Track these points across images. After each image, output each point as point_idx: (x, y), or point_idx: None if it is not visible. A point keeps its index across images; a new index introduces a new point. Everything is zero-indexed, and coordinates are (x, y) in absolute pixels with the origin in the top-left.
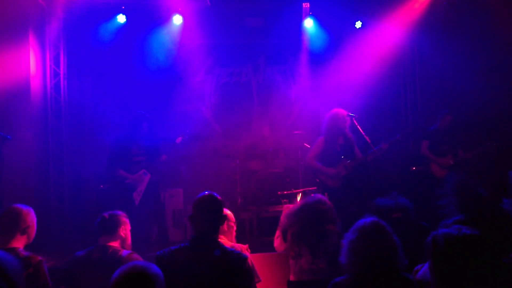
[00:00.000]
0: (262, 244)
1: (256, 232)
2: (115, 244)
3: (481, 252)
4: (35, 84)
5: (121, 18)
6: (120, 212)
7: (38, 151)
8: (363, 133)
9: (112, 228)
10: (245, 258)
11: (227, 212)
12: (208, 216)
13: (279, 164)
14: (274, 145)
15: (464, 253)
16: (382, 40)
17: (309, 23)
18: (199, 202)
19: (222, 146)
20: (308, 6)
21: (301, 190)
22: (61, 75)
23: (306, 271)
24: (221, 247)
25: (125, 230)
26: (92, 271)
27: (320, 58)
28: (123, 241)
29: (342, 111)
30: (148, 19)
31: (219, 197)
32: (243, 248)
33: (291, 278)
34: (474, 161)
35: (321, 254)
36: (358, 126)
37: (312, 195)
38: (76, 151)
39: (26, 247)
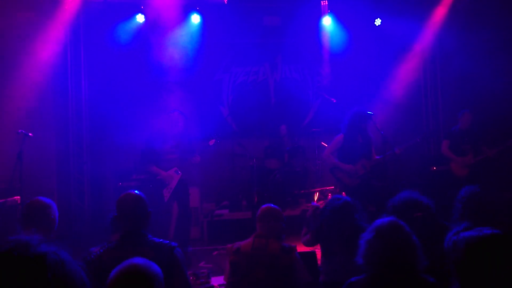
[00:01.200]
0: None
1: None
2: None
3: (506, 251)
4: (57, 84)
5: (140, 18)
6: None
7: (59, 149)
8: (381, 133)
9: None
10: (173, 247)
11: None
12: (131, 214)
13: (296, 163)
14: (291, 144)
15: (488, 254)
16: (402, 38)
17: (327, 21)
18: (122, 202)
19: (239, 145)
20: (327, 3)
21: (318, 189)
22: (82, 75)
23: (340, 271)
24: (149, 240)
25: None
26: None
27: (338, 56)
28: None
29: (365, 111)
30: (166, 18)
31: (141, 195)
32: (292, 248)
33: (322, 278)
34: (496, 160)
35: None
36: (376, 125)
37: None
38: (96, 149)
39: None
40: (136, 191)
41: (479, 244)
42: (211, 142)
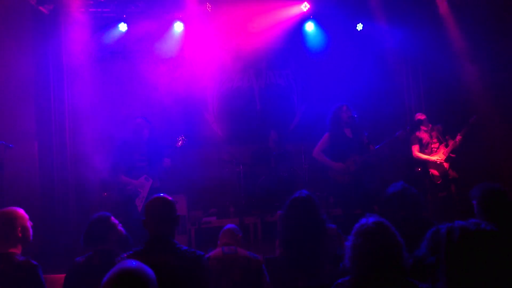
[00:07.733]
0: (266, 248)
1: (261, 237)
2: (113, 247)
3: (500, 250)
4: (39, 91)
5: (123, 27)
6: (105, 215)
7: (42, 157)
8: (365, 134)
9: (103, 235)
10: (201, 256)
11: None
12: (160, 218)
13: (283, 168)
14: (277, 149)
15: (481, 250)
16: (384, 41)
17: (310, 27)
18: (150, 205)
19: (225, 151)
20: (309, 9)
21: None
22: (65, 82)
23: (302, 277)
24: (176, 247)
25: (116, 230)
26: (92, 278)
27: (322, 61)
28: (119, 241)
29: (341, 104)
30: (149, 27)
31: (170, 199)
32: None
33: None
34: (465, 145)
35: (317, 261)
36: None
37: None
38: (79, 157)
39: (27, 248)
40: (165, 195)
41: (474, 238)
42: (179, 144)
